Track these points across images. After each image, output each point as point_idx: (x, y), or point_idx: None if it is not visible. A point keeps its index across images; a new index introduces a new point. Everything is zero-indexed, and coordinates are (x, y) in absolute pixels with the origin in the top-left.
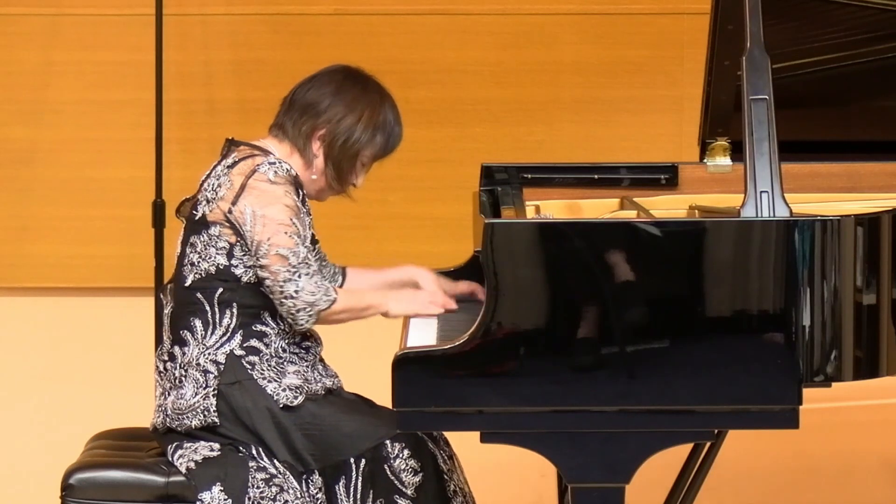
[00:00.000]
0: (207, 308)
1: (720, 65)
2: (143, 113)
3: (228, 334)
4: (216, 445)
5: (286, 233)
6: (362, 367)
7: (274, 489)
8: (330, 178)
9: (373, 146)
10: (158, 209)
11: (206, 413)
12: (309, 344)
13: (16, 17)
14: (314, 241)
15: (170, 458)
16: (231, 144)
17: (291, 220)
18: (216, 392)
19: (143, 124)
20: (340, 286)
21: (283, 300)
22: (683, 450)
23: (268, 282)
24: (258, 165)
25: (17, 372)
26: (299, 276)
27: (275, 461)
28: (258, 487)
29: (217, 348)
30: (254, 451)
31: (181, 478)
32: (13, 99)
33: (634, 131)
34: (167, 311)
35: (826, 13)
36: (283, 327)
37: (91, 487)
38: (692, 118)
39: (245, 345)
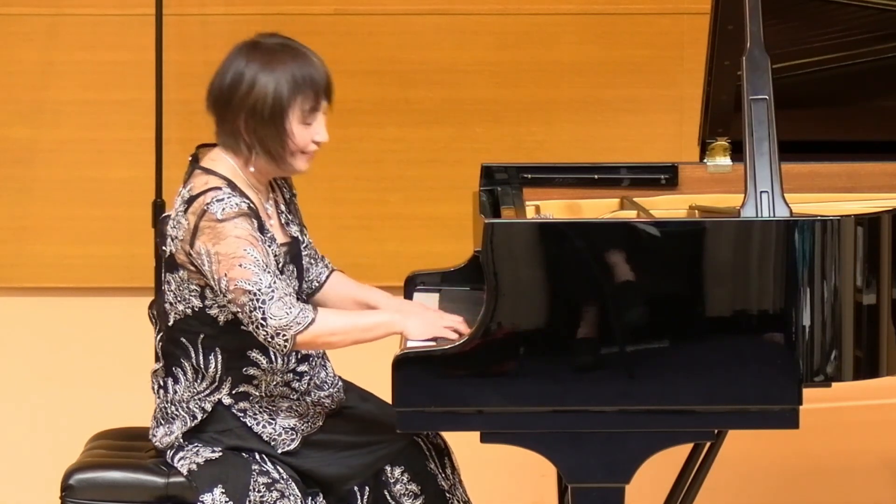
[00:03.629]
0: (192, 354)
1: (720, 65)
2: (143, 113)
3: (216, 384)
4: (217, 448)
5: (241, 265)
6: (362, 366)
7: (275, 494)
8: (270, 160)
9: (294, 110)
10: (158, 209)
11: (193, 455)
12: (304, 369)
13: (16, 17)
14: (297, 250)
15: (170, 461)
16: (193, 166)
17: (245, 250)
18: (203, 437)
19: (143, 124)
20: (320, 287)
21: (257, 330)
22: (683, 450)
23: (240, 315)
24: (207, 205)
25: (17, 372)
26: (264, 303)
27: (277, 467)
28: (259, 491)
29: (206, 396)
30: (256, 456)
31: (181, 479)
32: (13, 99)
33: (634, 131)
34: (156, 335)
35: (826, 13)
36: (274, 364)
37: (91, 488)
38: (692, 118)
39: (234, 392)
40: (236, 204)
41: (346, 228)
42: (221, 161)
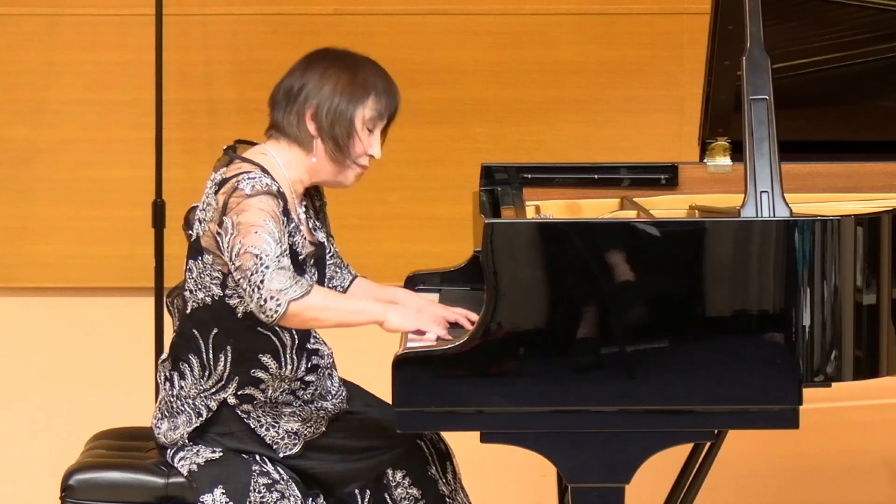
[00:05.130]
0: (203, 349)
1: (720, 65)
2: (143, 113)
3: (223, 382)
4: (218, 448)
5: (256, 232)
6: (362, 366)
7: (275, 494)
8: (331, 152)
9: (366, 107)
10: (158, 209)
11: (194, 455)
12: (311, 379)
13: (16, 17)
14: (321, 254)
15: (170, 461)
16: (228, 156)
17: (264, 220)
18: (206, 438)
19: (143, 124)
20: (343, 291)
21: (252, 294)
22: (683, 450)
23: (241, 282)
24: (238, 182)
25: (17, 372)
26: (267, 268)
27: (278, 467)
28: (259, 492)
29: (212, 394)
30: (257, 457)
31: (181, 479)
32: (13, 99)
33: (634, 131)
34: (174, 323)
35: (826, 13)
36: (283, 371)
37: (91, 488)
38: (692, 118)
39: (240, 393)
40: (266, 183)
41: (346, 228)
42: (264, 155)
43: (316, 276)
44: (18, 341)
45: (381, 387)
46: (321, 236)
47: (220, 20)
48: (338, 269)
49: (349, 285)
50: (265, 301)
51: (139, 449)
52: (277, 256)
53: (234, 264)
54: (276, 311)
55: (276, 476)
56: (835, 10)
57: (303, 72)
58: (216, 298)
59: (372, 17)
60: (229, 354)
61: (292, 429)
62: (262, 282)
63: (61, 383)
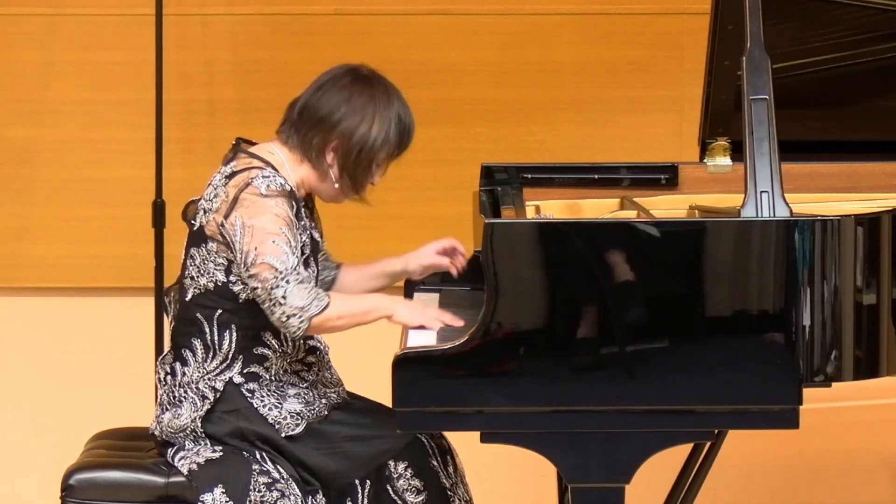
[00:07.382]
0: (207, 329)
1: (720, 65)
2: (143, 113)
3: (228, 361)
4: (218, 447)
5: (274, 241)
6: (362, 366)
7: (275, 494)
8: (346, 187)
9: (387, 146)
10: (158, 209)
11: (200, 437)
12: (312, 360)
13: (16, 17)
14: (316, 251)
15: (170, 461)
16: (237, 149)
17: (281, 229)
18: (211, 418)
19: (143, 124)
20: (330, 286)
21: (273, 308)
22: (683, 450)
23: (258, 291)
24: (252, 178)
25: (17, 372)
26: (287, 282)
27: (278, 466)
28: (259, 491)
29: (217, 374)
30: (257, 455)
31: (181, 478)
32: (13, 99)
33: (634, 131)
34: (170, 317)
35: (826, 13)
36: (285, 348)
37: (91, 488)
38: (692, 118)
39: (245, 371)
40: (280, 184)
41: (346, 228)
42: (271, 154)
43: (315, 271)
44: (18, 341)
45: (381, 387)
46: (316, 235)
47: (220, 20)
48: (325, 265)
49: (336, 276)
50: (287, 318)
51: (139, 449)
52: (296, 268)
53: (248, 270)
54: (300, 328)
55: (277, 475)
56: (835, 10)
57: (347, 102)
58: (219, 284)
59: (372, 17)
60: (234, 332)
61: (296, 410)
62: (283, 297)
63: (61, 383)
